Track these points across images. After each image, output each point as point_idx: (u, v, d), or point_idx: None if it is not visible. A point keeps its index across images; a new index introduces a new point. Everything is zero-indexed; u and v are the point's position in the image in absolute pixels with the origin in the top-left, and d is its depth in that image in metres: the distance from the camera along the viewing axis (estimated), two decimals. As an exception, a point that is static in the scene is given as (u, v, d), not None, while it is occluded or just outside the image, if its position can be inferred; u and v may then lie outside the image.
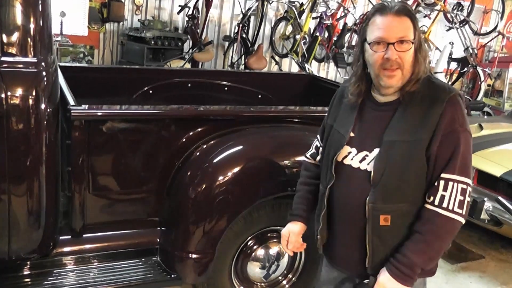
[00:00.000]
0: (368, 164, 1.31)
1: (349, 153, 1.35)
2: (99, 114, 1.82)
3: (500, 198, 2.91)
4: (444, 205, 1.24)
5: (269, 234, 2.12)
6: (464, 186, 1.25)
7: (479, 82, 6.16)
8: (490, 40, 7.24)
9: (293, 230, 1.52)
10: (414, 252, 1.25)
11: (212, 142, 1.97)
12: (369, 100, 1.36)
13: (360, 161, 1.32)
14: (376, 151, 1.29)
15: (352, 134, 1.36)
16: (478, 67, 5.98)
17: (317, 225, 1.45)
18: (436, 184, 1.25)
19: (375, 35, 1.27)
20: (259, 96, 3.02)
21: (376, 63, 1.27)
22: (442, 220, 1.24)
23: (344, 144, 1.36)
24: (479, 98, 6.08)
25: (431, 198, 1.26)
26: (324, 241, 1.46)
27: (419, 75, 1.28)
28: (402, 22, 1.26)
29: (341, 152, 1.36)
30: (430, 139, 1.24)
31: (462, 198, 1.24)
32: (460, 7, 6.20)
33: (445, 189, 1.24)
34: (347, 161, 1.35)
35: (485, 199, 2.94)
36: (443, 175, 1.25)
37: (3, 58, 1.58)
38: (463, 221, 1.26)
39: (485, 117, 5.46)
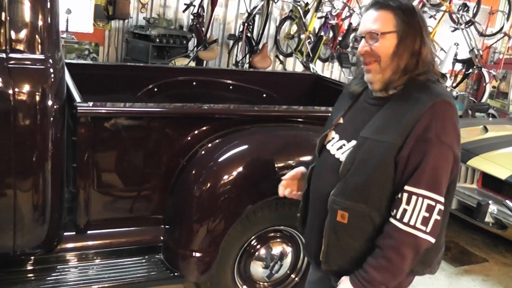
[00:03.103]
0: (342, 154, 1.29)
1: (333, 138, 1.35)
2: (105, 111, 1.83)
3: (507, 201, 2.89)
4: (405, 219, 1.15)
5: (272, 234, 2.13)
6: (432, 203, 1.15)
7: (484, 84, 6.13)
8: (496, 42, 7.20)
9: (291, 171, 1.51)
10: (374, 267, 1.18)
11: (217, 141, 1.97)
12: (366, 91, 1.35)
13: (337, 149, 1.31)
14: (353, 143, 1.27)
15: (341, 121, 1.36)
16: (483, 69, 5.96)
17: (300, 203, 1.46)
18: (399, 196, 1.17)
19: (357, 31, 1.30)
20: (264, 95, 3.02)
21: (358, 59, 1.29)
22: (402, 235, 1.15)
23: (330, 128, 1.37)
24: (483, 100, 6.06)
25: (394, 211, 1.18)
26: (303, 222, 1.46)
27: (400, 68, 1.22)
28: (378, 15, 1.24)
29: (327, 136, 1.37)
30: (402, 144, 1.17)
31: (427, 215, 1.15)
32: (466, 8, 6.17)
33: (407, 203, 1.15)
34: (328, 146, 1.35)
35: (490, 202, 2.93)
36: (407, 187, 1.16)
37: (11, 55, 1.59)
38: (429, 238, 1.16)
39: (490, 119, 5.43)
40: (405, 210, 1.16)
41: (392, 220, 1.18)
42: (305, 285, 1.55)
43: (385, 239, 1.19)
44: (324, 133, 1.39)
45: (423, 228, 1.16)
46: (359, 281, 1.20)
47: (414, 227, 1.15)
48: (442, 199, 1.18)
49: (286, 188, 1.51)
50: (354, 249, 1.24)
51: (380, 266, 1.18)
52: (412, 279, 1.35)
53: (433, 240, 1.18)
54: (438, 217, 1.17)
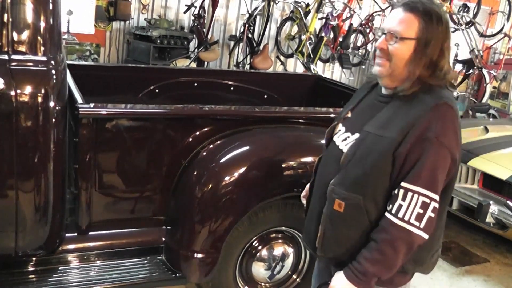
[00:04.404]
0: (345, 145, 1.33)
1: (339, 130, 1.40)
2: (107, 112, 1.83)
3: (508, 202, 2.89)
4: (400, 215, 1.19)
5: (274, 235, 2.13)
6: (427, 200, 1.18)
7: (485, 84, 6.13)
8: (496, 42, 7.19)
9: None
10: (367, 260, 1.22)
11: (218, 142, 1.98)
12: (376, 89, 1.39)
13: (342, 141, 1.36)
14: (356, 136, 1.31)
15: (349, 114, 1.41)
16: (483, 69, 5.95)
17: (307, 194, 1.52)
18: (396, 192, 1.21)
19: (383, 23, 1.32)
20: (265, 96, 3.02)
21: (375, 50, 1.32)
22: (396, 230, 1.19)
23: (339, 121, 1.42)
24: (484, 100, 6.06)
25: (390, 206, 1.22)
26: (307, 211, 1.49)
27: (415, 77, 1.23)
28: (404, 16, 1.24)
29: (336, 128, 1.42)
30: (401, 140, 1.20)
31: (421, 211, 1.18)
32: (466, 9, 6.18)
33: (403, 199, 1.19)
34: (335, 138, 1.40)
35: (491, 202, 2.93)
36: (403, 184, 1.19)
37: (13, 56, 1.59)
38: (422, 234, 1.19)
39: (491, 119, 5.43)
40: (400, 206, 1.19)
41: (387, 214, 1.22)
42: (312, 278, 1.59)
43: (380, 233, 1.22)
44: (332, 125, 1.44)
45: (417, 224, 1.19)
46: (352, 273, 1.24)
47: (408, 222, 1.19)
48: (437, 198, 1.21)
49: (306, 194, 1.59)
50: (349, 238, 1.28)
51: (374, 259, 1.21)
52: (409, 279, 1.37)
53: (426, 237, 1.21)
54: (433, 215, 1.20)
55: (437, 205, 1.20)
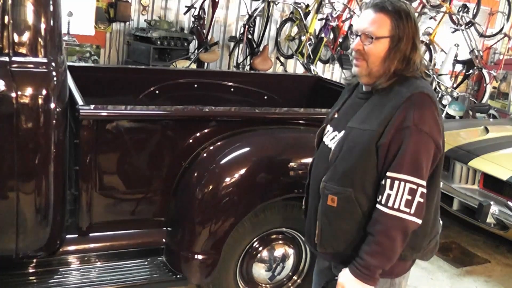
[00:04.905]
0: (333, 143, 1.39)
1: (328, 131, 1.46)
2: (107, 114, 1.83)
3: (509, 202, 2.89)
4: (390, 204, 1.23)
5: (274, 236, 2.13)
6: (414, 186, 1.22)
7: (484, 85, 6.13)
8: (496, 42, 7.19)
9: None
10: (368, 253, 1.26)
11: (218, 143, 1.98)
12: (358, 88, 1.45)
13: (331, 140, 1.42)
14: (342, 133, 1.37)
15: (335, 115, 1.48)
16: (483, 69, 5.96)
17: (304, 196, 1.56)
18: (383, 182, 1.25)
19: (354, 27, 1.35)
20: (265, 97, 3.02)
21: (351, 51, 1.36)
22: (389, 219, 1.23)
23: (327, 122, 1.49)
24: (484, 101, 6.06)
25: (379, 197, 1.26)
26: (306, 213, 1.53)
27: (390, 72, 1.29)
28: (375, 17, 1.30)
29: (325, 129, 1.48)
30: (382, 131, 1.25)
31: (410, 197, 1.22)
32: (466, 9, 6.18)
33: (391, 188, 1.23)
34: (324, 138, 1.47)
35: (492, 202, 2.92)
36: (389, 174, 1.24)
37: (14, 58, 1.59)
38: (414, 220, 1.23)
39: (491, 119, 5.43)
40: (389, 195, 1.23)
41: (378, 206, 1.26)
42: (313, 276, 1.63)
43: (374, 225, 1.26)
44: (321, 127, 1.51)
45: (407, 210, 1.23)
46: (357, 268, 1.28)
47: (398, 209, 1.23)
48: (423, 183, 1.25)
49: None
50: (345, 231, 1.33)
51: (374, 251, 1.25)
52: (409, 267, 1.41)
53: (419, 221, 1.25)
54: (421, 200, 1.24)
55: (424, 190, 1.24)
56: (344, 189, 1.30)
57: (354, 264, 1.29)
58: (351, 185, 1.29)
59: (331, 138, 1.42)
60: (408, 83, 1.29)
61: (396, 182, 1.23)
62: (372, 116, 1.29)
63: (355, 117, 1.35)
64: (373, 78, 1.33)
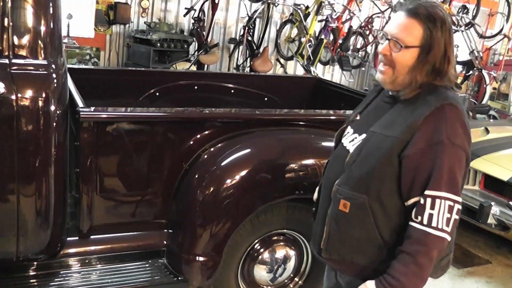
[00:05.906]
0: (352, 146, 1.34)
1: (348, 132, 1.41)
2: (108, 116, 1.83)
3: (510, 203, 2.89)
4: (434, 224, 1.17)
5: (276, 238, 2.12)
6: (451, 203, 1.18)
7: (484, 85, 6.14)
8: (496, 43, 7.20)
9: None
10: (404, 274, 1.18)
11: (219, 145, 1.97)
12: (384, 90, 1.39)
13: (350, 142, 1.37)
14: (363, 136, 1.32)
15: (357, 117, 1.43)
16: (483, 70, 5.96)
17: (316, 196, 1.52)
18: (422, 202, 1.19)
19: (384, 28, 1.30)
20: (265, 98, 3.02)
21: (378, 55, 1.31)
22: (432, 239, 1.18)
23: (348, 123, 1.44)
24: (484, 101, 6.06)
25: (419, 217, 1.19)
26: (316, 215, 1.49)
27: (417, 83, 1.24)
28: (407, 22, 1.23)
29: (345, 130, 1.44)
30: (408, 140, 1.19)
31: (449, 215, 1.18)
32: (466, 10, 6.19)
33: (432, 207, 1.17)
34: (343, 140, 1.42)
35: (493, 203, 2.92)
36: (428, 192, 1.18)
37: (14, 60, 1.59)
38: (449, 238, 1.21)
39: (491, 120, 5.43)
40: (431, 215, 1.18)
41: (419, 226, 1.19)
42: (324, 279, 1.58)
43: (413, 245, 1.19)
44: (341, 127, 1.46)
45: (447, 229, 1.19)
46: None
47: (441, 230, 1.18)
48: (459, 199, 1.21)
49: None
50: (354, 239, 1.28)
51: (412, 273, 1.18)
52: None
53: (450, 239, 1.21)
54: (457, 217, 1.20)
55: (460, 207, 1.20)
56: (359, 195, 1.25)
57: (383, 283, 1.20)
58: (365, 192, 1.24)
59: (351, 140, 1.37)
60: (437, 93, 1.23)
61: (438, 201, 1.17)
62: (396, 123, 1.24)
63: (379, 122, 1.29)
64: (398, 86, 1.28)
